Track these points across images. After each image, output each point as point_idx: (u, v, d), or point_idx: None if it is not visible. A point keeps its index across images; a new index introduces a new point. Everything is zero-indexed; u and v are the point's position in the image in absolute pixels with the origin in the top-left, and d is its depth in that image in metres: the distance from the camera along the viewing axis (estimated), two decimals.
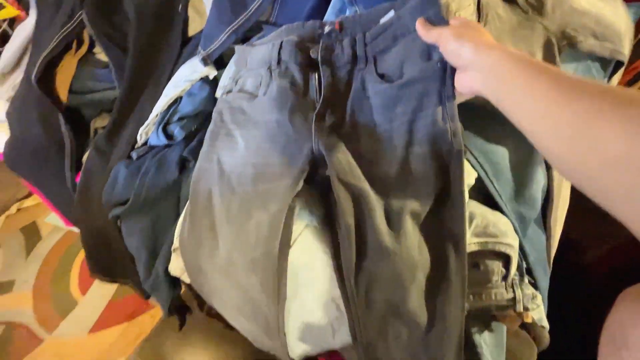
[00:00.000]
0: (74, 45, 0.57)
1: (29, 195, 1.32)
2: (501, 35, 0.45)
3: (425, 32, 0.34)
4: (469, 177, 0.40)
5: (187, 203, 0.43)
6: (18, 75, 0.64)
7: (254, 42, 0.46)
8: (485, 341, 0.44)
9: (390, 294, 0.34)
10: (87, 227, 0.58)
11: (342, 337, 0.39)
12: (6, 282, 1.13)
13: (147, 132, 0.49)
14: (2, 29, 1.03)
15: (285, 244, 0.38)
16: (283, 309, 0.39)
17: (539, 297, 0.43)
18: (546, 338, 0.44)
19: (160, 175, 0.44)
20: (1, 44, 1.04)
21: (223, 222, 0.42)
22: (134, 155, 0.49)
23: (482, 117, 0.41)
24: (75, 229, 1.24)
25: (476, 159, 0.41)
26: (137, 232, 0.47)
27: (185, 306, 0.61)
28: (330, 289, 0.38)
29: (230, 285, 0.42)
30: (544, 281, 0.46)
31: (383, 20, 0.40)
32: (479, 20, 0.44)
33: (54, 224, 1.25)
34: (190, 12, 0.54)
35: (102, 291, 1.10)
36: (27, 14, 1.02)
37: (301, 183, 0.37)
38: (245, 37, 0.50)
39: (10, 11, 1.02)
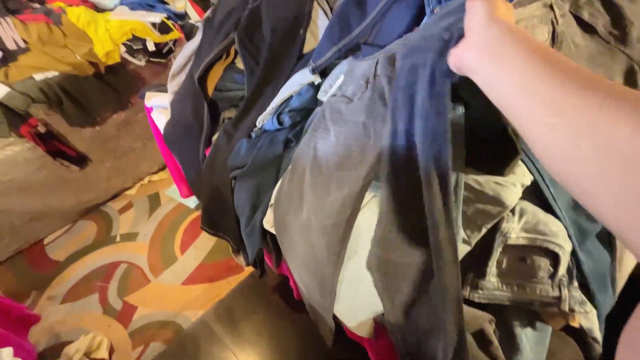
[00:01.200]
0: (224, 56, 0.80)
1: (158, 171, 1.69)
2: (577, 61, 0.50)
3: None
4: (524, 177, 0.45)
5: (287, 172, 0.58)
6: (182, 77, 0.91)
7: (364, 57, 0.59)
8: (526, 336, 0.47)
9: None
10: (209, 186, 0.77)
11: None
12: (133, 232, 1.46)
13: (264, 119, 0.66)
14: (168, 46, 1.40)
15: (352, 218, 0.47)
16: (339, 272, 0.46)
17: (589, 305, 0.44)
18: (596, 350, 0.45)
19: (270, 149, 0.60)
20: (164, 57, 1.41)
21: (309, 192, 0.54)
22: (253, 135, 0.67)
23: None
24: (187, 203, 1.54)
25: (532, 162, 0.46)
26: (245, 190, 0.64)
27: (263, 261, 0.76)
28: None
29: (304, 242, 0.53)
30: (601, 296, 0.47)
31: None
32: (552, 47, 0.49)
33: (171, 196, 1.58)
34: (308, 35, 0.71)
35: (196, 254, 1.35)
36: (186, 38, 1.38)
37: (371, 174, 0.44)
38: (346, 55, 0.64)
39: (176, 34, 1.39)
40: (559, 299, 0.44)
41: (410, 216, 0.39)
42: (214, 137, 0.82)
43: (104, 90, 1.32)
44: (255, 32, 0.74)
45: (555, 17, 0.47)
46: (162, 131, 0.91)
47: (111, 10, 1.36)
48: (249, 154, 0.63)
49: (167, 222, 1.48)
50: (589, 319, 0.46)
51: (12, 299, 1.17)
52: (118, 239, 1.44)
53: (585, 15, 0.48)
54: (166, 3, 1.46)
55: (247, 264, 0.75)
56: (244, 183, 0.64)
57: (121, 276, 1.31)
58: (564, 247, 0.44)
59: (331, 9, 0.71)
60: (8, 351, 0.76)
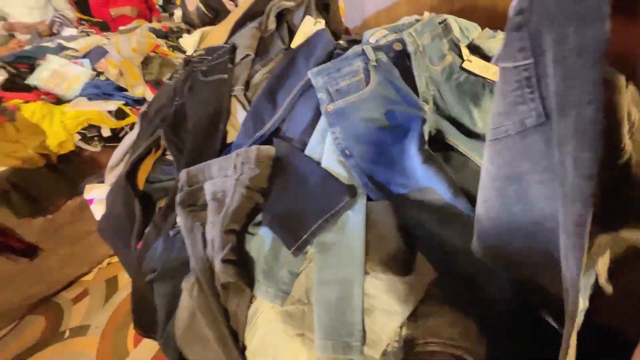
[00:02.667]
0: (154, 150, 0.81)
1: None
2: None
3: None
4: None
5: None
6: (119, 169, 0.91)
7: None
8: None
9: None
10: (135, 286, 0.73)
11: None
12: (84, 325, 1.35)
13: None
14: (124, 131, 1.44)
15: None
16: None
17: None
18: None
19: (182, 251, 0.58)
20: (120, 140, 1.43)
21: None
22: (171, 233, 0.65)
23: None
24: None
25: None
26: (161, 296, 0.60)
27: None
28: None
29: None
30: None
31: None
32: None
33: (129, 280, 1.50)
34: (229, 127, 0.74)
35: (151, 345, 1.24)
36: None
37: None
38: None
39: (132, 118, 1.44)
40: None
41: None
42: (146, 231, 0.80)
43: (56, 179, 1.31)
44: (180, 127, 0.77)
45: None
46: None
47: (68, 101, 1.41)
48: (162, 256, 0.60)
49: (123, 309, 1.38)
50: None
51: None
52: (67, 334, 1.32)
53: None
54: (125, 90, 1.53)
55: None
56: (160, 287, 0.60)
57: None
58: None
59: (250, 102, 0.75)
60: None
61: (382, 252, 0.46)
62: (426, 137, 0.52)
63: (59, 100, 1.43)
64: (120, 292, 1.46)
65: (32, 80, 1.48)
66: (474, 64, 0.61)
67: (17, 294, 1.35)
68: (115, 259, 1.60)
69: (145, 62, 1.67)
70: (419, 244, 0.46)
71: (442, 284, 0.43)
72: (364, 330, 0.43)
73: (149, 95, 1.61)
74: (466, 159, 0.54)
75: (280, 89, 0.66)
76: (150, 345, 1.24)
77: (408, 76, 0.56)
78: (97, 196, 0.95)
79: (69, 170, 1.34)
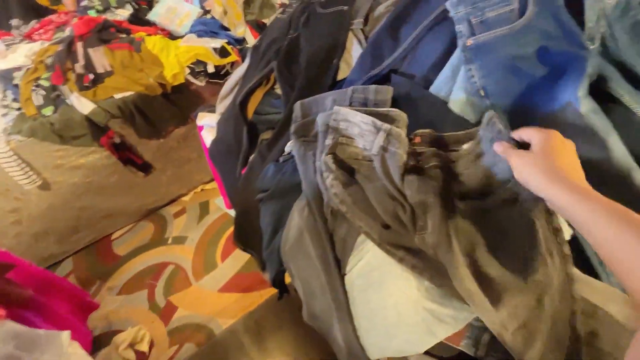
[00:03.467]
0: (265, 82, 0.85)
1: (210, 181, 1.83)
2: None
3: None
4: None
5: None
6: (229, 100, 0.98)
7: None
8: None
9: None
10: (242, 205, 0.81)
11: None
12: (183, 236, 1.59)
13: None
14: (226, 69, 1.53)
15: None
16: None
17: None
18: None
19: (293, 175, 0.61)
20: (222, 78, 1.54)
21: None
22: (281, 159, 0.69)
23: None
24: (231, 213, 1.63)
25: None
26: (268, 214, 0.66)
27: (284, 282, 0.77)
28: None
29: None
30: None
31: None
32: None
33: (219, 206, 1.69)
34: (342, 64, 0.72)
35: (234, 263, 1.42)
36: (242, 60, 1.49)
37: None
38: (377, 83, 0.63)
39: (233, 57, 1.51)
40: None
41: None
42: (251, 158, 0.87)
43: (169, 107, 1.48)
44: (292, 61, 0.78)
45: None
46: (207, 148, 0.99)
47: (182, 37, 1.53)
48: (274, 178, 0.65)
49: (212, 229, 1.58)
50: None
51: (80, 286, 1.35)
52: (170, 241, 1.58)
53: None
54: (228, 30, 1.60)
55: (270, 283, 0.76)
56: (268, 206, 0.66)
57: (168, 276, 1.43)
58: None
59: (366, 39, 0.72)
60: (66, 334, 0.88)
61: None
62: (587, 84, 0.44)
63: (171, 36, 1.57)
64: (210, 215, 1.66)
65: (151, 15, 1.63)
66: None
67: (135, 200, 1.63)
68: (208, 185, 1.81)
69: (247, 1, 1.70)
70: None
71: None
72: None
73: (249, 36, 1.66)
74: (631, 114, 0.45)
75: (405, 23, 0.62)
76: (234, 263, 1.42)
77: (574, 7, 0.47)
78: (207, 123, 1.05)
79: (180, 101, 1.50)
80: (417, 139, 0.50)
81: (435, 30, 0.58)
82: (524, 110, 0.47)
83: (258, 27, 1.69)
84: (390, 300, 0.45)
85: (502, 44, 0.48)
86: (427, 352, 0.45)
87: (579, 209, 0.32)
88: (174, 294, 1.36)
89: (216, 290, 1.33)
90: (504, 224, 0.42)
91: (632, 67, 0.48)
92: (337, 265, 0.52)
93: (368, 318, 0.49)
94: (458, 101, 0.52)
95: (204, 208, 1.70)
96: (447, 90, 0.53)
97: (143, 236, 1.63)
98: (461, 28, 0.51)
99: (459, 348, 0.44)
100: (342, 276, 0.52)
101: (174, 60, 1.42)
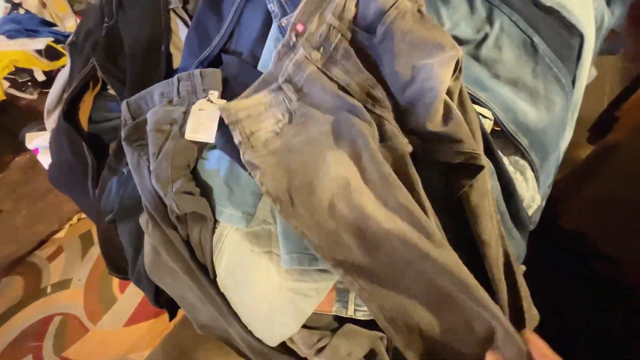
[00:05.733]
0: (91, 85, 0.71)
1: None
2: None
3: None
4: None
5: None
6: (57, 112, 0.81)
7: None
8: None
9: None
10: (100, 230, 0.70)
11: None
12: (66, 280, 1.35)
13: None
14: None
15: None
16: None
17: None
18: None
19: (137, 189, 0.54)
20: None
21: None
22: (124, 170, 0.60)
23: None
24: None
25: None
26: (125, 234, 0.57)
27: (173, 302, 0.70)
28: None
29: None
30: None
31: None
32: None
33: None
34: (173, 50, 0.65)
35: (137, 290, 1.26)
36: None
37: None
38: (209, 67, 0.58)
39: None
40: None
41: None
42: (102, 174, 0.74)
43: None
44: (117, 53, 0.67)
45: (287, 96, 0.44)
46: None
47: None
48: (117, 195, 0.56)
49: (102, 261, 1.37)
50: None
51: None
52: (49, 290, 1.32)
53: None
54: (53, 25, 1.32)
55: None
56: (122, 227, 0.58)
57: (56, 330, 1.20)
58: None
59: (191, 18, 0.65)
60: None
61: None
62: None
63: None
64: (96, 245, 1.43)
65: None
66: None
67: None
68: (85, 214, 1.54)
69: None
70: None
71: None
72: None
73: None
74: None
75: None
76: (136, 291, 1.26)
77: None
78: (40, 144, 0.86)
79: (7, 122, 1.20)
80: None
81: (252, 1, 0.55)
82: None
83: None
84: (258, 292, 0.44)
85: None
86: (304, 326, 0.45)
87: None
88: (68, 347, 1.15)
89: (121, 327, 1.18)
90: None
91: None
92: (205, 271, 0.48)
93: (247, 314, 0.47)
94: None
95: (87, 239, 1.46)
96: None
97: (11, 295, 1.33)
98: (273, 7, 0.49)
99: (333, 313, 0.45)
100: (213, 281, 0.48)
101: None
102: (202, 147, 0.50)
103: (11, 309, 1.29)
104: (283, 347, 0.54)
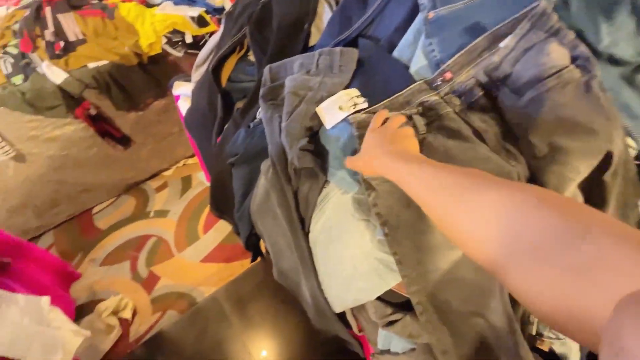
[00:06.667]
0: (238, 49, 0.84)
1: (192, 155, 1.82)
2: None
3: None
4: None
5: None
6: (204, 68, 0.97)
7: None
8: None
9: None
10: (216, 172, 0.83)
11: None
12: (165, 210, 1.59)
13: None
14: (205, 39, 1.49)
15: None
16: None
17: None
18: None
19: (262, 139, 0.63)
20: (201, 48, 1.50)
21: None
22: (251, 125, 0.70)
23: None
24: None
25: None
26: (240, 177, 0.67)
27: (257, 246, 0.79)
28: None
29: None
30: None
31: None
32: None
33: (200, 180, 1.70)
34: (313, 29, 0.72)
35: (216, 235, 1.44)
36: None
37: None
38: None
39: (213, 27, 1.47)
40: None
41: None
42: (226, 126, 0.87)
43: (147, 78, 1.45)
44: (265, 26, 0.77)
45: (416, 127, 0.46)
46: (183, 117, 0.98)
47: (158, 5, 1.47)
48: (244, 142, 0.66)
49: (194, 203, 1.59)
50: (566, 345, 0.42)
51: (62, 258, 1.36)
52: (152, 214, 1.59)
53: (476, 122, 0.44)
54: None
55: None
56: (239, 170, 0.68)
57: (150, 248, 1.44)
58: None
59: (337, 4, 0.71)
60: (46, 299, 0.90)
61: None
62: None
63: (147, 4, 1.51)
64: (193, 189, 1.66)
65: None
66: None
67: (115, 174, 1.62)
68: (191, 160, 1.80)
69: None
70: None
71: None
72: None
73: (228, 4, 1.61)
74: None
75: None
76: (216, 235, 1.44)
77: None
78: (183, 92, 1.04)
79: (157, 71, 1.46)
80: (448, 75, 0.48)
81: None
82: None
83: None
84: (347, 253, 0.48)
85: (462, 18, 0.49)
86: (379, 299, 0.48)
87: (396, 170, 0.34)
88: (156, 264, 1.38)
89: (198, 261, 1.36)
90: None
91: (584, 34, 0.50)
92: (302, 223, 0.54)
93: (328, 273, 0.52)
94: (420, 68, 0.53)
95: (186, 182, 1.70)
96: (409, 54, 0.54)
97: (124, 210, 1.63)
98: (423, 0, 0.52)
99: (407, 295, 0.47)
100: (306, 234, 0.54)
101: (149, 28, 1.37)
102: None
103: (122, 222, 1.59)
104: (342, 319, 0.58)
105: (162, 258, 1.40)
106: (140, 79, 1.43)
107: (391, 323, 0.47)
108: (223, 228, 1.45)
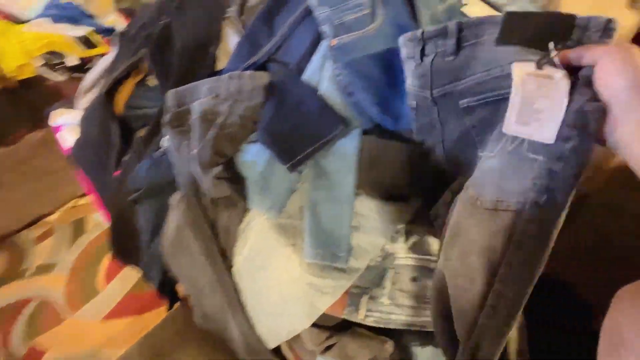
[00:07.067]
0: (135, 72, 0.76)
1: (83, 195, 1.55)
2: None
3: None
4: None
5: None
6: (93, 93, 0.85)
7: None
8: (425, 355, 0.46)
9: None
10: (117, 211, 0.71)
11: None
12: (49, 264, 1.31)
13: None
14: (93, 62, 1.32)
15: None
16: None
17: None
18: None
19: (169, 170, 0.56)
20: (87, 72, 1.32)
21: None
22: (157, 154, 0.63)
23: None
24: None
25: None
26: (146, 214, 0.59)
27: (175, 291, 0.70)
28: None
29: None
30: None
31: None
32: None
33: (97, 221, 1.45)
34: (220, 54, 0.70)
35: (123, 284, 1.23)
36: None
37: None
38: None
39: (104, 48, 1.32)
40: None
41: None
42: (126, 157, 0.76)
43: (16, 106, 1.20)
44: (165, 49, 0.72)
45: None
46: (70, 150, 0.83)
47: (28, 22, 1.26)
48: (148, 174, 0.59)
49: (90, 250, 1.34)
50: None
51: None
52: (30, 272, 1.28)
53: None
54: (93, 18, 1.39)
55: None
56: (144, 206, 0.60)
57: (30, 316, 1.15)
58: None
59: (244, 28, 0.71)
60: None
61: (377, 177, 0.48)
62: None
63: (15, 19, 1.28)
64: (88, 233, 1.41)
65: None
66: (477, 9, 0.62)
67: None
68: (83, 200, 1.53)
69: None
70: None
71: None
72: (350, 245, 0.46)
73: (121, 25, 1.47)
74: None
75: (279, 13, 0.63)
76: (122, 284, 1.23)
77: (413, 10, 0.55)
78: (67, 121, 0.88)
79: (31, 98, 1.23)
80: None
81: (307, 21, 0.61)
82: (384, 106, 0.53)
83: (133, 16, 1.51)
84: (275, 282, 0.46)
85: (361, 46, 0.53)
86: (314, 325, 0.46)
87: None
88: (39, 335, 1.10)
89: (100, 319, 1.13)
90: None
91: None
92: (224, 257, 0.50)
93: (257, 305, 0.48)
94: (328, 92, 0.55)
95: (78, 227, 1.43)
96: (317, 79, 0.56)
97: None
98: (325, 29, 0.54)
99: (343, 317, 0.46)
100: (229, 268, 0.50)
101: (16, 48, 1.15)
102: (242, 139, 0.53)
103: None
104: (277, 354, 0.54)
105: (47, 326, 1.12)
106: (8, 107, 1.18)
107: (329, 348, 0.45)
108: (132, 274, 1.25)
